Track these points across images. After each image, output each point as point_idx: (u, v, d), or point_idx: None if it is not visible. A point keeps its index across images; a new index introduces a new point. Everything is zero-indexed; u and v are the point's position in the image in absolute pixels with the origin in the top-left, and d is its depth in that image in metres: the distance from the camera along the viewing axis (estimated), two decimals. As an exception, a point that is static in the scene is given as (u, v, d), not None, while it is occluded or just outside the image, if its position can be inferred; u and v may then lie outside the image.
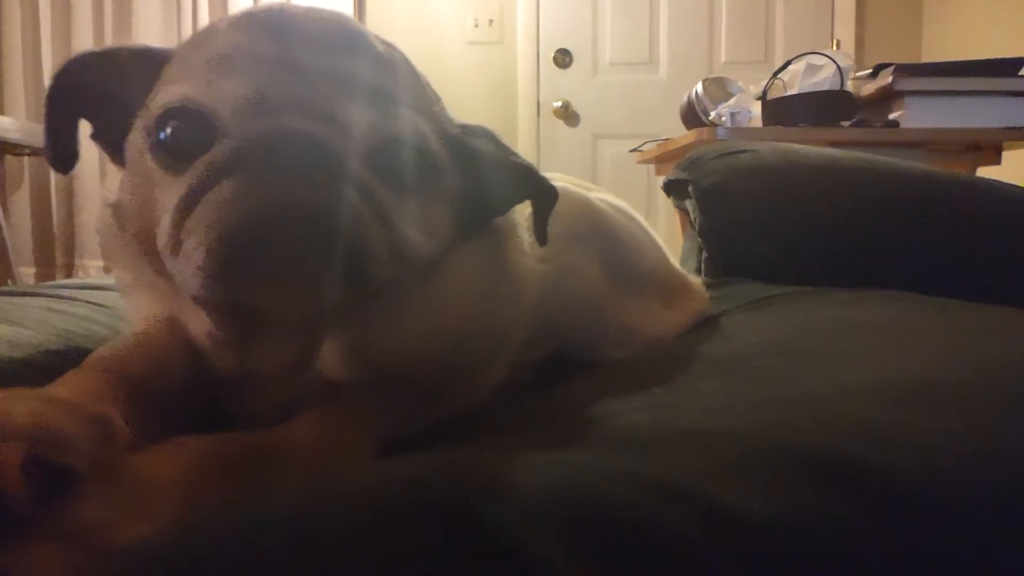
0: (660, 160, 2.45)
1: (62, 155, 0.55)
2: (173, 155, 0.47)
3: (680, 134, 2.21)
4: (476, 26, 3.42)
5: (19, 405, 0.30)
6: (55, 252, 3.31)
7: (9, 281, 3.15)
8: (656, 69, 3.50)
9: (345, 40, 0.50)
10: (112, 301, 0.77)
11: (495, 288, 0.60)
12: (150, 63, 0.53)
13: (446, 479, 0.26)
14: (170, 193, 0.46)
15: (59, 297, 0.74)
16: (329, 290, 0.46)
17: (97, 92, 0.55)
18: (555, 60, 3.47)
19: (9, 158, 2.87)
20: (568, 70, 3.48)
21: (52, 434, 0.30)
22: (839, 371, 0.51)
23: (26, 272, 3.24)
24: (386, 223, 0.46)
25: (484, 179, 0.58)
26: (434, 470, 0.28)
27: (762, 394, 0.48)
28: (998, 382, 0.46)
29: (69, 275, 3.28)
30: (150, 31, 3.25)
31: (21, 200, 3.29)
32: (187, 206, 0.44)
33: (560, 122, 3.50)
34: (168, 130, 0.47)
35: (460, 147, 0.57)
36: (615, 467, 0.28)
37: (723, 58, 3.50)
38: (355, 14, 3.08)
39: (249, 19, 0.50)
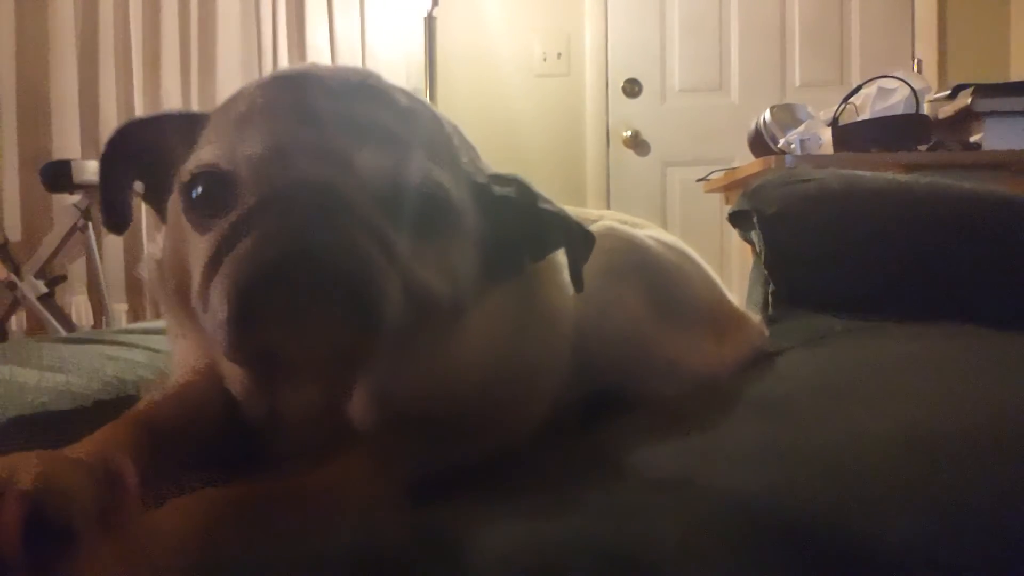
0: (727, 189, 2.40)
1: (116, 217, 0.58)
2: (203, 215, 0.50)
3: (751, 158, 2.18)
4: (544, 60, 3.44)
5: (25, 466, 0.32)
6: (145, 289, 3.46)
7: (103, 318, 3.31)
8: (727, 93, 3.43)
9: (364, 93, 0.52)
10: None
11: (524, 330, 0.60)
12: (191, 127, 0.56)
13: (401, 547, 0.26)
14: (201, 251, 0.48)
15: (119, 343, 0.77)
16: (344, 333, 0.47)
17: (146, 156, 0.58)
18: (624, 89, 3.45)
19: (103, 200, 3.03)
20: (637, 99, 3.46)
21: (55, 494, 0.31)
22: (874, 416, 0.49)
23: (118, 308, 3.40)
24: (398, 266, 0.47)
25: (512, 227, 0.58)
26: (392, 536, 0.28)
27: (790, 443, 0.47)
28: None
29: (158, 312, 3.42)
30: (231, 79, 3.38)
31: (114, 239, 3.46)
32: (214, 263, 0.46)
33: (630, 152, 3.47)
34: (198, 191, 0.50)
35: (486, 195, 0.57)
36: (589, 536, 0.28)
37: (797, 80, 3.40)
38: (425, 52, 3.13)
39: (274, 79, 0.53)
